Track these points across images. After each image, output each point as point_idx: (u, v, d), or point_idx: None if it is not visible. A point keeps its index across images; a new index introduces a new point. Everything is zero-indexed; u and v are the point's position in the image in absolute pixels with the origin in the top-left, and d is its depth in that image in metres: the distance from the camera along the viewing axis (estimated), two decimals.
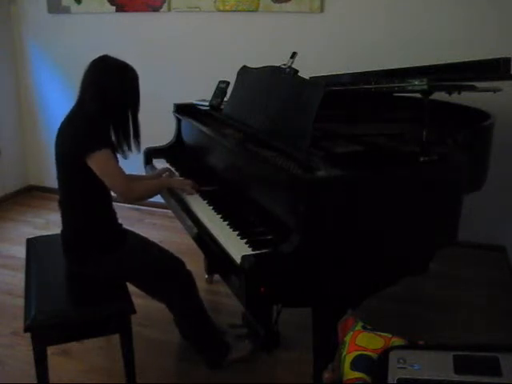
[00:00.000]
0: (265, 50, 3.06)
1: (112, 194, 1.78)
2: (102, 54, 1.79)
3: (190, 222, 1.82)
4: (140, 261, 1.83)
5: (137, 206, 3.51)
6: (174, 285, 1.85)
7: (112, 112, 1.76)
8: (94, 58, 1.79)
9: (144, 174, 2.44)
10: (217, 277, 2.63)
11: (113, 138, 1.80)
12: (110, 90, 1.73)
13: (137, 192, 1.82)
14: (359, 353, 1.14)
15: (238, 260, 1.37)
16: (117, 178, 1.72)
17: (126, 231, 1.91)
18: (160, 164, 2.40)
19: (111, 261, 1.77)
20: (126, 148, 1.84)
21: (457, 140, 1.75)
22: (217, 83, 2.49)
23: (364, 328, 1.22)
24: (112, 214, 1.83)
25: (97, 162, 1.67)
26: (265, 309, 1.95)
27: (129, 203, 1.78)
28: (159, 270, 1.85)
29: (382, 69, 2.24)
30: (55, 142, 1.77)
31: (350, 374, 1.12)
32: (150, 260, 1.86)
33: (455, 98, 1.89)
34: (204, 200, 1.89)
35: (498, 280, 2.77)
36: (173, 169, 2.26)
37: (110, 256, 1.77)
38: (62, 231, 1.84)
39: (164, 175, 2.16)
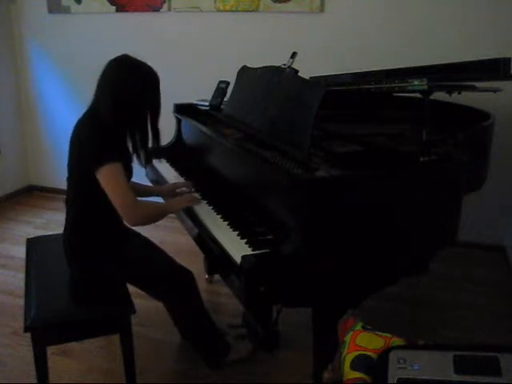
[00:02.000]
0: (265, 50, 3.05)
1: None
2: (121, 54, 1.70)
3: (190, 222, 1.82)
4: (142, 263, 1.83)
5: None
6: (175, 286, 1.84)
7: (129, 117, 1.69)
8: (113, 57, 1.69)
9: (143, 173, 2.43)
10: (217, 277, 2.63)
11: (129, 146, 1.75)
12: (129, 94, 1.64)
13: (140, 216, 1.69)
14: (359, 353, 1.14)
15: (238, 260, 1.37)
16: (121, 197, 1.64)
17: (128, 233, 1.91)
18: (160, 164, 2.39)
19: (112, 264, 1.77)
20: (143, 156, 1.77)
21: (457, 140, 1.75)
22: (217, 83, 2.49)
23: (364, 328, 1.22)
24: (117, 217, 1.80)
25: (103, 176, 1.61)
26: (265, 309, 1.95)
27: (131, 224, 1.73)
28: (160, 271, 1.84)
29: (382, 69, 2.24)
30: (70, 142, 1.73)
31: (350, 374, 1.12)
32: (151, 262, 1.85)
33: (455, 98, 1.89)
34: (204, 200, 1.89)
35: (498, 280, 2.77)
36: (173, 169, 2.26)
37: (111, 260, 1.77)
38: (64, 231, 1.83)
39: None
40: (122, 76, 1.67)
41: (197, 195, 1.94)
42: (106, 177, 1.62)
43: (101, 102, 1.67)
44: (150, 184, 2.32)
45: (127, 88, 1.65)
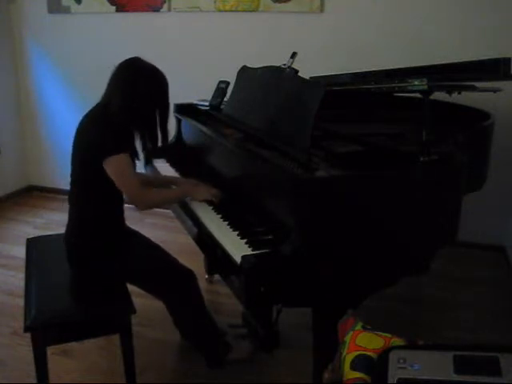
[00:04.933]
0: (265, 50, 3.05)
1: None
2: (132, 56, 1.76)
3: (190, 223, 1.82)
4: (144, 262, 1.83)
5: None
6: (177, 284, 1.84)
7: (139, 117, 1.74)
8: (124, 59, 1.75)
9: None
10: (217, 277, 2.63)
11: (138, 143, 1.79)
12: (138, 95, 1.70)
13: (150, 200, 1.80)
14: (359, 353, 1.14)
15: (238, 260, 1.37)
16: (129, 185, 1.71)
17: (130, 233, 1.91)
18: (160, 164, 2.39)
19: (114, 263, 1.77)
20: (151, 154, 1.83)
21: (457, 140, 1.75)
22: (217, 83, 2.49)
23: (364, 328, 1.22)
24: (120, 216, 1.82)
25: (112, 166, 1.66)
26: (265, 309, 1.95)
27: (141, 210, 1.82)
28: (162, 269, 1.84)
29: (382, 69, 2.24)
30: (73, 140, 1.76)
31: (350, 374, 1.11)
32: (153, 260, 1.85)
33: (455, 98, 1.89)
34: (204, 200, 1.89)
35: (498, 280, 2.77)
36: (173, 169, 2.25)
37: (113, 258, 1.77)
38: (66, 229, 1.84)
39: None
40: (131, 78, 1.71)
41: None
42: (113, 167, 1.66)
43: (112, 102, 1.71)
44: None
45: (136, 90, 1.70)
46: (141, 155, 1.84)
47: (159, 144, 1.83)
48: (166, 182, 2.12)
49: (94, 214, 1.77)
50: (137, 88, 1.70)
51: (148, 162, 2.44)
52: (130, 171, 1.71)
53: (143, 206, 1.78)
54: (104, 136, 1.68)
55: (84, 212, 1.79)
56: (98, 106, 1.77)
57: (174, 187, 2.02)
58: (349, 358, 1.14)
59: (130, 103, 1.69)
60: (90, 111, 1.77)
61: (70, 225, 1.82)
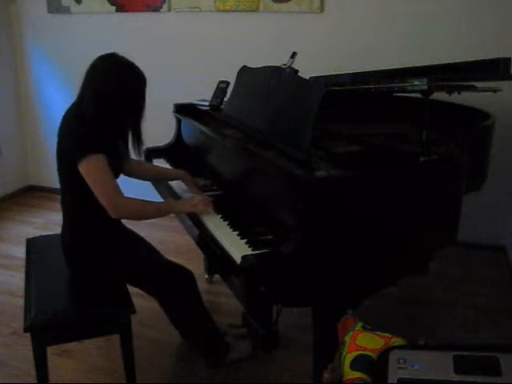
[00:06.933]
0: (265, 50, 3.05)
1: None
2: (110, 52, 1.70)
3: (190, 223, 1.82)
4: (141, 263, 1.82)
5: None
6: (175, 285, 1.83)
7: (108, 115, 1.65)
8: (100, 55, 1.69)
9: None
10: (217, 277, 2.63)
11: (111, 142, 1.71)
12: (105, 91, 1.62)
13: (126, 208, 1.67)
14: (359, 353, 1.14)
15: (238, 260, 1.37)
16: (103, 189, 1.61)
17: (126, 233, 1.90)
18: (160, 164, 2.39)
19: (111, 265, 1.76)
20: (124, 154, 1.76)
21: (457, 140, 1.75)
22: (217, 83, 2.49)
23: (364, 328, 1.22)
24: (111, 218, 1.80)
25: (85, 168, 1.59)
26: (265, 309, 1.95)
27: (116, 217, 1.67)
28: (160, 270, 1.84)
29: (382, 69, 2.24)
30: (57, 141, 1.71)
31: (350, 374, 1.12)
32: (151, 261, 1.85)
33: (455, 98, 1.89)
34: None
35: (498, 280, 2.77)
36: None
37: (110, 260, 1.76)
38: (61, 231, 1.83)
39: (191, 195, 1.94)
40: (102, 73, 1.66)
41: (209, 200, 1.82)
42: (86, 169, 1.60)
43: (84, 97, 1.67)
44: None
45: (105, 85, 1.64)
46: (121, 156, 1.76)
47: (130, 146, 1.75)
48: (161, 174, 2.11)
49: (86, 215, 1.73)
50: (106, 84, 1.63)
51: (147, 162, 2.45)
52: (104, 173, 1.61)
53: (118, 213, 1.65)
54: (76, 138, 1.62)
55: (76, 214, 1.76)
56: (73, 103, 1.72)
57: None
58: (349, 358, 1.14)
59: (97, 102, 1.62)
60: (67, 111, 1.72)
61: (65, 227, 1.81)
